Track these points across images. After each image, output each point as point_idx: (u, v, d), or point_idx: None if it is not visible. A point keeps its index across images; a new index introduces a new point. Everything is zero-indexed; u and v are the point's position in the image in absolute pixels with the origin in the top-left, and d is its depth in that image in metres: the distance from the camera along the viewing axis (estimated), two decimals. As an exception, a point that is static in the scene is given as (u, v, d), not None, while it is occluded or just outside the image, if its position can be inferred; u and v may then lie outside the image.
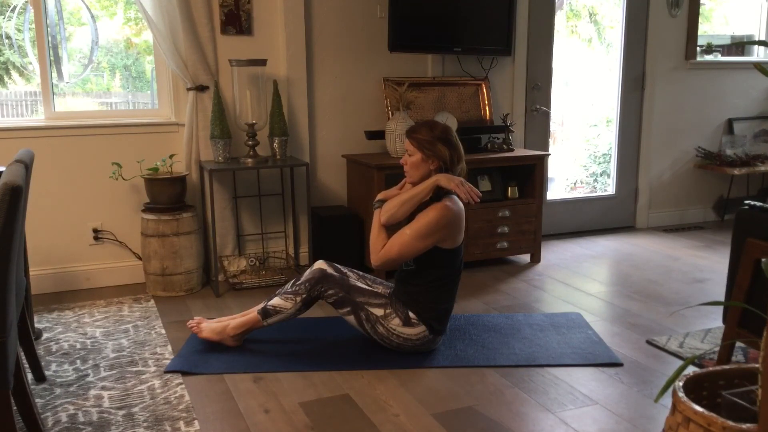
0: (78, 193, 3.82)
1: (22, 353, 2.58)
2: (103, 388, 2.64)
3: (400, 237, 2.80)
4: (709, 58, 5.38)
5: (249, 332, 2.97)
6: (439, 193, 2.83)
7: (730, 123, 5.53)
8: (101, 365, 2.85)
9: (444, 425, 2.35)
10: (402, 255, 2.80)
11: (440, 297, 2.87)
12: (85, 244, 3.88)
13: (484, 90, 4.54)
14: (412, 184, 2.90)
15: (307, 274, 2.93)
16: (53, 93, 3.82)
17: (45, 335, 3.18)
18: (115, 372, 2.78)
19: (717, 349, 2.80)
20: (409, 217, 2.87)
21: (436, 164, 2.83)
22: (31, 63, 3.89)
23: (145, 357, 2.93)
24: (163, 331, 3.22)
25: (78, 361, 2.89)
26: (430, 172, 2.84)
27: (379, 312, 2.85)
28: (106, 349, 3.03)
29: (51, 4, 3.78)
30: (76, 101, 4.14)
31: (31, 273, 3.51)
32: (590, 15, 5.31)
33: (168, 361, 2.87)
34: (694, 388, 1.69)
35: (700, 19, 5.23)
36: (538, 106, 4.86)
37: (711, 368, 1.74)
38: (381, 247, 2.84)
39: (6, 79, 4.14)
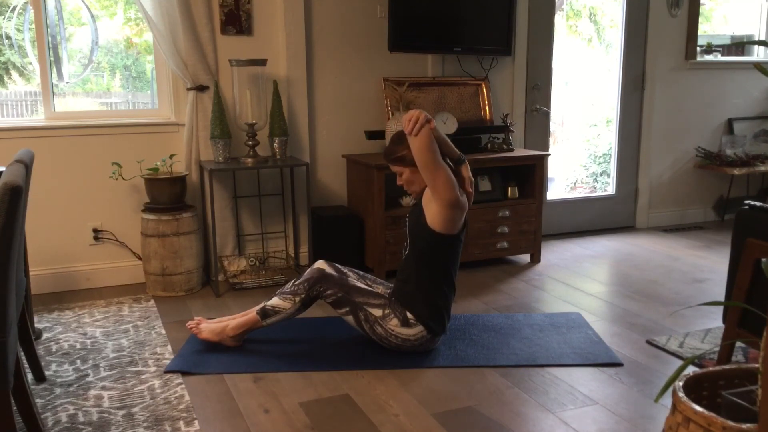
0: (78, 193, 3.82)
1: (22, 353, 2.58)
2: (103, 388, 2.64)
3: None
4: (709, 58, 5.38)
5: (248, 332, 2.97)
6: None
7: (730, 123, 5.53)
8: (101, 365, 2.85)
9: (444, 425, 2.35)
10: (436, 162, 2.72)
11: (438, 298, 2.87)
12: (85, 244, 3.88)
13: (484, 90, 4.54)
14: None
15: (306, 274, 2.93)
16: (53, 93, 3.82)
17: (45, 335, 3.18)
18: (115, 372, 2.78)
19: (717, 349, 2.80)
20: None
21: None
22: (31, 63, 3.89)
23: (145, 357, 2.93)
24: (163, 331, 3.22)
25: (78, 361, 2.89)
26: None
27: (377, 312, 2.85)
28: (106, 349, 3.03)
29: (51, 4, 3.78)
30: (76, 101, 4.14)
31: (31, 273, 3.51)
32: (590, 15, 5.31)
33: (168, 361, 2.87)
34: (694, 388, 1.69)
35: (700, 19, 5.23)
36: (538, 106, 4.86)
37: (711, 368, 1.74)
38: None
39: (6, 79, 4.14)
